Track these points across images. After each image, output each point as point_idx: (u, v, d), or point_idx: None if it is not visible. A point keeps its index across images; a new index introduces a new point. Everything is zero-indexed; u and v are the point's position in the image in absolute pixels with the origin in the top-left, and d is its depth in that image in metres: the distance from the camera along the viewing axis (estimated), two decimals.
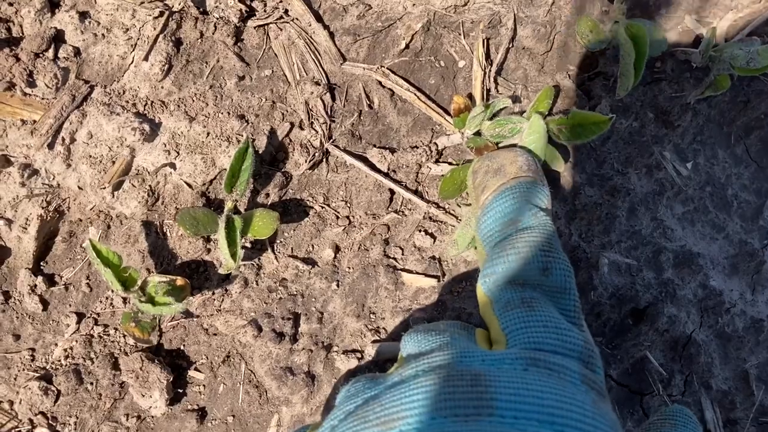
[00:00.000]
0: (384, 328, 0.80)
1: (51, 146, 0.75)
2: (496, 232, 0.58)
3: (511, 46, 0.87)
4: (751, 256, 0.87)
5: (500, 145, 0.82)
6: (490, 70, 0.85)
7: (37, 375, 0.77)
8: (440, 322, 0.54)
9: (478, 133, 0.82)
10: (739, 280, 0.88)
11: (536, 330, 0.42)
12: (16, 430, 0.76)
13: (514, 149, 0.72)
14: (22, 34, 0.76)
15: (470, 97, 0.84)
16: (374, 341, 0.79)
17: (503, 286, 0.50)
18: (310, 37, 0.82)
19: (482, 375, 0.36)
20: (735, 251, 0.89)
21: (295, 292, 0.80)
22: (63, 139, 0.76)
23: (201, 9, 0.79)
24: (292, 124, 0.81)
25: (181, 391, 0.79)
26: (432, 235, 0.82)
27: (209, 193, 0.80)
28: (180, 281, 0.74)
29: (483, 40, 0.85)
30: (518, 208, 0.59)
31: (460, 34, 0.85)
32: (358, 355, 0.79)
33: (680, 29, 0.93)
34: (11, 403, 0.77)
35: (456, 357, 0.40)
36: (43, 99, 0.76)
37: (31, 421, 0.76)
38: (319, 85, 0.80)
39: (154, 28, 0.77)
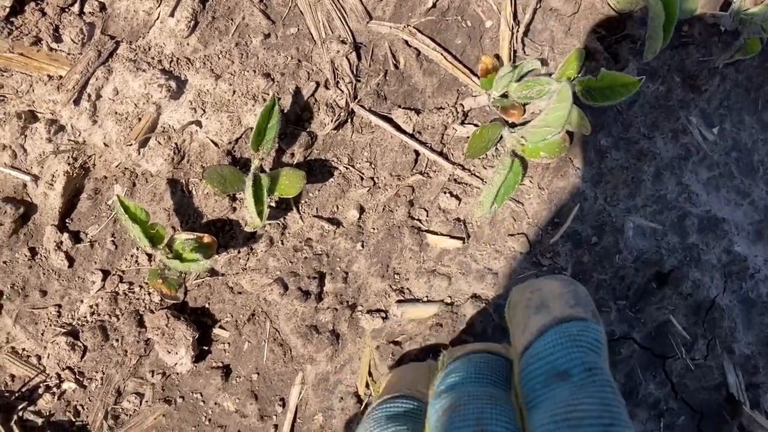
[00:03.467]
0: (408, 289, 0.81)
1: (77, 102, 0.75)
2: (541, 390, 0.47)
3: (538, 6, 0.85)
4: None
5: (527, 107, 0.81)
6: (517, 31, 0.84)
7: (64, 331, 0.77)
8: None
9: (505, 95, 0.81)
10: (764, 246, 0.88)
11: None
12: (44, 384, 0.77)
13: (559, 278, 0.60)
14: None
15: (497, 57, 0.83)
16: (398, 301, 0.80)
17: None
18: None
19: None
20: (760, 217, 0.88)
21: (320, 252, 0.80)
22: (89, 96, 0.75)
23: None
24: (318, 84, 0.80)
25: (206, 348, 0.79)
26: (457, 197, 0.81)
27: (235, 151, 0.79)
28: (207, 239, 0.74)
29: (510, 1, 0.84)
30: (566, 359, 0.48)
31: None
32: (383, 314, 0.79)
33: None
34: (39, 357, 0.77)
35: None
36: (68, 54, 0.75)
37: (58, 375, 0.77)
38: (345, 43, 0.80)
39: None
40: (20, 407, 0.76)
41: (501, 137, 0.80)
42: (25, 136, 0.75)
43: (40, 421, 0.76)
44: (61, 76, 0.75)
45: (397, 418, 0.54)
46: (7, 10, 0.72)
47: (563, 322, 0.49)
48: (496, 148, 0.82)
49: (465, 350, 0.54)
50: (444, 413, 0.46)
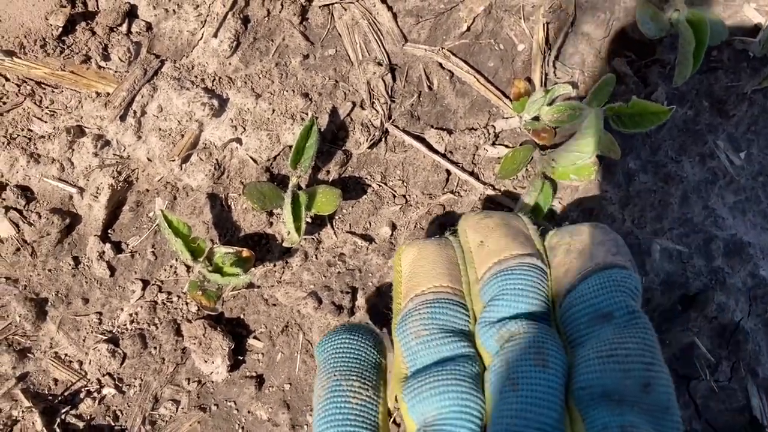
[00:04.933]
0: None
1: (123, 118, 0.78)
2: (584, 328, 0.49)
3: (570, 30, 0.87)
4: None
5: (558, 130, 0.83)
6: (549, 55, 0.86)
7: (105, 338, 0.80)
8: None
9: (536, 118, 0.83)
10: None
11: None
12: (86, 388, 0.80)
13: (599, 226, 0.60)
14: (98, 8, 0.78)
15: (528, 80, 0.85)
16: None
17: (598, 401, 0.43)
18: (374, 17, 0.83)
19: None
20: None
21: (352, 267, 0.83)
22: (134, 112, 0.78)
23: None
24: (354, 104, 0.82)
25: (240, 358, 0.82)
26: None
27: (273, 168, 0.82)
28: (245, 253, 0.76)
29: (543, 24, 0.86)
30: (610, 302, 0.49)
31: (520, 18, 0.86)
32: None
33: (739, 18, 0.93)
34: (80, 363, 0.80)
35: None
36: (116, 72, 0.78)
37: (99, 381, 0.80)
38: (381, 65, 0.82)
39: (224, 5, 0.79)
40: (63, 411, 0.79)
41: (532, 159, 0.82)
42: (73, 150, 0.78)
43: (81, 424, 0.79)
44: (108, 93, 0.78)
45: (455, 334, 0.49)
46: (60, 29, 0.75)
47: (606, 268, 0.50)
48: (527, 170, 0.84)
49: (501, 258, 0.52)
50: (500, 340, 0.47)
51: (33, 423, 0.77)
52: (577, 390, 0.45)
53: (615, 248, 0.53)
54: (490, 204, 0.85)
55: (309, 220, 0.82)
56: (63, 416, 0.79)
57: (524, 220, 0.57)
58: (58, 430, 0.78)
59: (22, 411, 0.78)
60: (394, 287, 0.54)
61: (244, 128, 0.80)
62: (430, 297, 0.49)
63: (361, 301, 0.82)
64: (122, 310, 0.82)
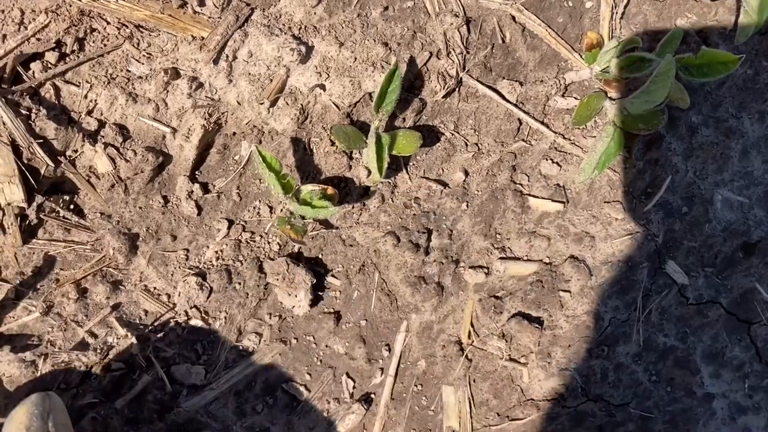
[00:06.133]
0: (509, 248, 0.86)
1: (216, 62, 0.82)
2: None
3: None
4: None
5: (627, 81, 0.87)
6: (616, 12, 0.90)
7: (192, 272, 0.84)
8: None
9: (606, 70, 0.86)
10: None
11: None
12: (174, 319, 0.84)
13: None
14: None
15: (599, 35, 0.89)
16: (500, 258, 0.85)
17: None
18: None
19: None
20: None
21: (427, 210, 0.86)
22: (227, 56, 0.82)
23: None
24: (431, 54, 0.86)
25: (320, 294, 0.86)
26: (558, 164, 0.87)
27: (353, 114, 0.86)
28: (330, 190, 0.80)
29: None
30: None
31: None
32: (485, 270, 0.85)
33: None
34: (168, 296, 0.85)
35: None
36: (210, 18, 0.83)
37: (186, 312, 0.84)
38: (458, 17, 0.86)
39: None
40: (154, 339, 0.83)
41: (602, 108, 0.85)
42: (168, 91, 0.82)
43: (171, 352, 0.83)
44: (203, 37, 0.82)
45: None
46: None
47: None
48: (595, 121, 0.88)
49: None
50: None
51: (128, 348, 0.82)
52: None
53: None
54: (562, 153, 0.88)
55: (386, 164, 0.86)
56: (155, 344, 0.83)
57: None
58: (150, 356, 0.82)
59: (117, 337, 0.82)
60: None
61: (328, 75, 0.84)
62: None
63: (435, 242, 0.86)
64: (208, 247, 0.86)
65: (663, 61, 0.79)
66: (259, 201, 0.87)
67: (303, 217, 0.82)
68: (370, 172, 0.83)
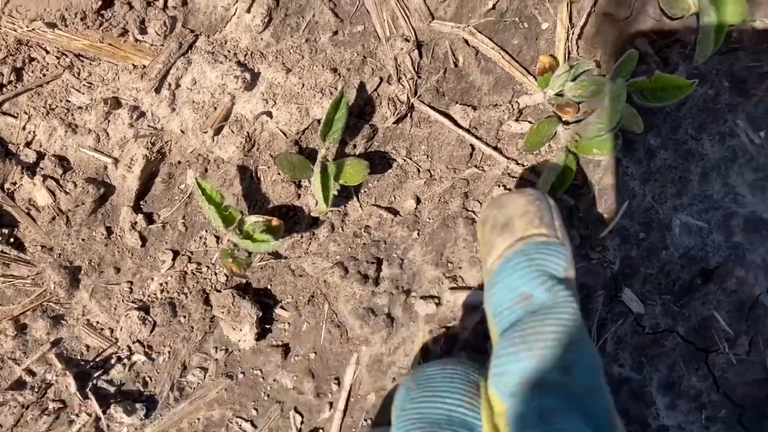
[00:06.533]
0: (461, 277, 0.84)
1: (158, 90, 0.80)
2: (506, 311, 0.47)
3: (593, 10, 0.89)
4: None
5: (581, 105, 0.85)
6: (572, 33, 0.88)
7: (136, 306, 0.82)
8: (439, 394, 0.46)
9: (560, 94, 0.84)
10: None
11: None
12: (116, 355, 0.82)
13: (526, 193, 0.57)
14: None
15: (552, 57, 0.87)
16: (451, 288, 0.83)
17: (517, 390, 0.42)
18: None
19: None
20: None
21: (378, 239, 0.84)
22: (169, 84, 0.80)
23: None
24: (381, 79, 0.84)
25: (267, 327, 0.84)
26: (510, 191, 0.85)
27: (301, 141, 0.84)
28: (275, 222, 0.78)
29: (567, 4, 0.87)
30: (529, 280, 0.47)
31: None
32: (436, 300, 0.83)
33: None
34: (111, 330, 0.82)
35: None
36: (152, 45, 0.80)
37: (129, 347, 0.82)
38: (408, 41, 0.84)
39: None
40: (95, 376, 0.81)
41: (555, 133, 0.83)
42: (109, 121, 0.80)
43: (112, 389, 0.81)
44: (144, 66, 0.80)
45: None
46: (99, 3, 0.77)
47: (525, 243, 0.49)
48: (550, 145, 0.86)
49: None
50: None
51: (66, 386, 0.79)
52: (494, 377, 0.44)
53: (538, 219, 0.51)
54: (515, 179, 0.86)
55: (336, 192, 0.84)
56: (95, 381, 0.81)
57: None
58: (89, 393, 0.80)
59: (56, 375, 0.80)
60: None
61: (275, 102, 0.82)
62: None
63: (386, 271, 0.84)
64: (153, 279, 0.83)
65: (614, 86, 0.78)
66: (206, 231, 0.85)
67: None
68: (317, 202, 0.81)
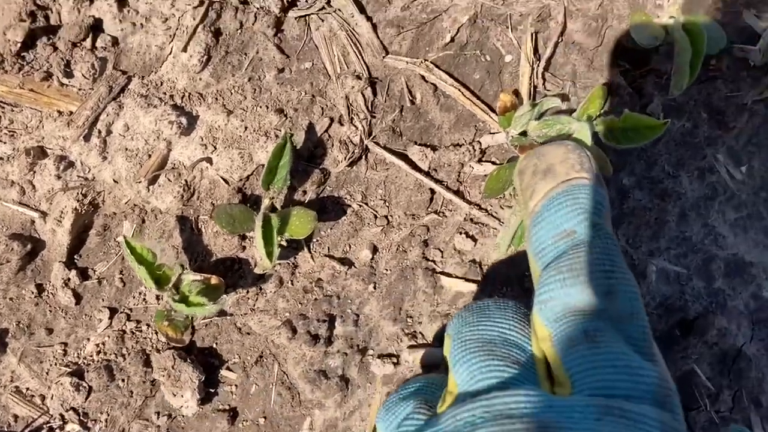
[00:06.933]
0: (421, 333, 0.78)
1: (87, 138, 0.74)
2: (549, 247, 0.52)
3: (560, 40, 0.83)
4: None
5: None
6: (537, 66, 0.82)
7: (69, 370, 0.76)
8: (494, 319, 0.50)
9: (524, 133, 0.78)
10: None
11: (605, 372, 0.38)
12: (48, 425, 0.75)
13: (565, 144, 0.64)
14: (60, 22, 0.74)
15: (516, 93, 0.81)
16: (410, 346, 0.77)
17: (562, 315, 0.45)
18: (353, 28, 0.79)
19: (552, 427, 0.33)
20: None
21: (330, 293, 0.78)
22: (99, 132, 0.74)
23: None
24: (332, 120, 0.78)
25: (212, 390, 0.77)
26: (473, 238, 0.79)
27: (246, 189, 0.78)
28: (214, 280, 0.72)
29: (531, 34, 0.81)
30: (573, 217, 0.52)
31: (507, 27, 0.82)
32: (394, 359, 0.77)
33: (738, 24, 0.88)
34: (43, 397, 0.76)
35: (519, 402, 0.37)
36: (80, 90, 0.74)
37: (62, 416, 0.76)
38: (361, 78, 0.78)
39: (194, 18, 0.75)
40: None
41: None
42: (34, 172, 0.74)
43: None
44: (71, 112, 0.74)
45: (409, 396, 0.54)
46: (19, 45, 0.71)
47: (568, 184, 0.54)
48: (514, 188, 0.80)
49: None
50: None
51: None
52: (539, 304, 0.47)
53: (578, 164, 0.56)
54: (475, 224, 0.80)
55: (284, 243, 0.77)
56: None
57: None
58: None
59: None
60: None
61: (215, 147, 0.76)
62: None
63: (339, 329, 0.78)
64: (88, 340, 0.77)
65: (579, 129, 0.72)
66: (146, 286, 0.78)
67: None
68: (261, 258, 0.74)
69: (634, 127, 0.74)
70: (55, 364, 0.76)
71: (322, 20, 0.79)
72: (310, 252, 0.79)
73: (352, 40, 0.79)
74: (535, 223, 0.54)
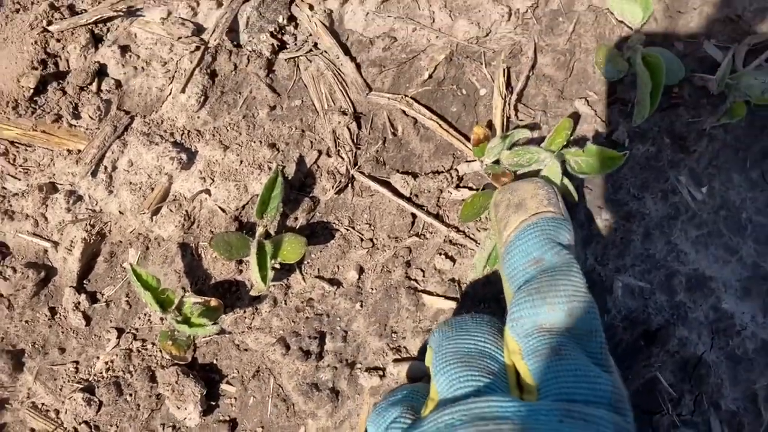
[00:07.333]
0: (405, 347, 0.85)
1: (94, 174, 0.80)
2: (520, 272, 0.59)
3: (531, 73, 0.90)
4: (764, 279, 0.90)
5: (519, 173, 0.85)
6: (510, 98, 0.88)
7: (81, 386, 0.82)
8: (471, 333, 0.57)
9: (497, 162, 0.85)
10: (751, 303, 0.91)
11: (567, 380, 0.45)
12: None
13: (535, 181, 0.72)
14: (69, 68, 0.81)
15: (490, 124, 0.88)
16: (395, 360, 0.84)
17: (530, 331, 0.51)
18: (338, 68, 0.85)
19: (520, 427, 0.39)
20: (747, 274, 0.91)
21: (321, 312, 0.85)
22: (105, 168, 0.80)
23: (235, 43, 0.84)
24: (320, 152, 0.85)
25: (213, 403, 0.84)
26: (452, 258, 0.85)
27: (242, 217, 0.84)
28: (214, 302, 0.79)
29: (504, 69, 0.88)
30: (540, 246, 0.59)
31: (481, 64, 0.89)
32: (380, 372, 0.83)
33: (699, 54, 0.95)
34: (57, 412, 0.83)
35: (492, 406, 0.43)
36: (87, 130, 0.81)
37: (75, 429, 0.82)
38: (346, 114, 0.84)
39: (191, 62, 0.82)
40: None
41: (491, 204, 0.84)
42: (46, 206, 0.80)
43: None
44: (79, 150, 0.80)
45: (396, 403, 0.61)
46: (31, 91, 0.77)
47: (538, 217, 0.62)
48: (489, 216, 0.86)
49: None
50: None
51: None
52: (511, 321, 0.54)
53: (546, 200, 0.65)
54: (454, 245, 0.87)
55: (277, 266, 0.84)
56: None
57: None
58: None
59: None
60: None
61: (213, 180, 0.82)
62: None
63: (329, 345, 0.84)
64: (98, 358, 0.84)
65: (548, 164, 0.78)
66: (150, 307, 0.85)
67: None
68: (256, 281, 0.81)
69: (597, 157, 0.81)
70: (68, 381, 0.83)
71: (310, 61, 0.86)
72: (301, 274, 0.86)
73: (337, 79, 0.86)
74: (509, 251, 0.62)
